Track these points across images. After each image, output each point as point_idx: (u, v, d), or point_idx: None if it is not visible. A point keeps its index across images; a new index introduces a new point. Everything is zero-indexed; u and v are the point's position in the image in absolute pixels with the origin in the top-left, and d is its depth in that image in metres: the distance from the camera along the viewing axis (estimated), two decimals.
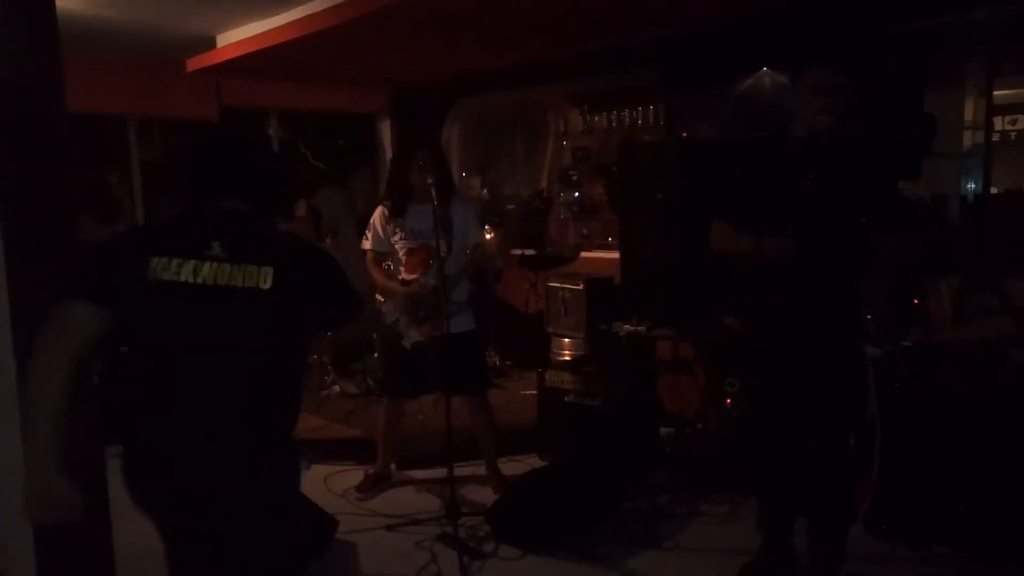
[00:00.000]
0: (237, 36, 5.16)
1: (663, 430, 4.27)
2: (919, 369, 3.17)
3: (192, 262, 1.63)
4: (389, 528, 3.52)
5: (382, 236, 3.73)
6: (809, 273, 2.57)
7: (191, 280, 1.62)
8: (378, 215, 3.76)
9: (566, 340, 5.00)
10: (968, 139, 4.07)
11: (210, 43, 5.37)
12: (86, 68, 4.83)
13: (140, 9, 4.53)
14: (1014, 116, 4.33)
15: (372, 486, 3.94)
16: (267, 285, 1.64)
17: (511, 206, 6.73)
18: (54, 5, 2.23)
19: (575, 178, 6.24)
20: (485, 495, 3.79)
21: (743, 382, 3.05)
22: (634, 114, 5.75)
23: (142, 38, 5.14)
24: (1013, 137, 4.35)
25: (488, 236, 4.96)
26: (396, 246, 3.71)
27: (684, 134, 4.63)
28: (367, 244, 3.76)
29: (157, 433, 1.68)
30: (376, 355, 5.19)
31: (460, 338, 3.57)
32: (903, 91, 3.82)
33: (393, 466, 4.12)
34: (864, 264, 2.64)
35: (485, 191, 6.77)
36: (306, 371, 1.97)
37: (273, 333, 1.70)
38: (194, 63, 5.47)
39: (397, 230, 3.68)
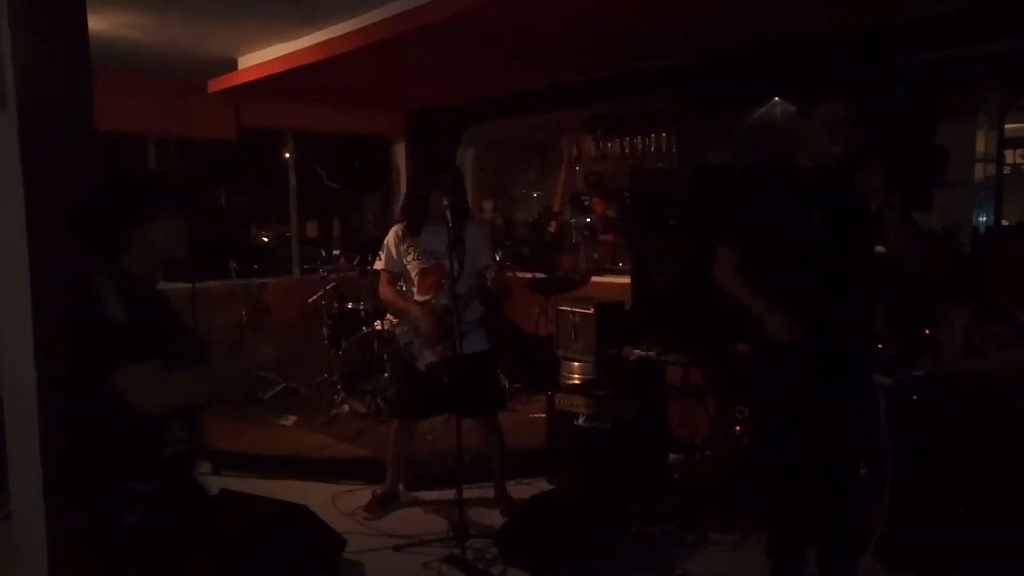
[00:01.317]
0: (258, 59, 5.26)
1: (672, 456, 4.27)
2: (930, 398, 3.17)
3: None
4: (397, 548, 3.52)
5: (395, 256, 3.77)
6: (819, 302, 2.59)
7: None
8: (392, 235, 3.80)
9: (576, 364, 5.01)
10: (980, 171, 4.10)
11: (231, 65, 5.47)
12: (111, 88, 4.91)
13: (164, 31, 4.63)
14: None
15: (380, 506, 3.95)
16: None
17: (522, 231, 6.79)
18: (87, 27, 2.29)
19: (587, 203, 6.29)
20: (493, 517, 3.79)
21: (753, 409, 3.05)
22: (647, 140, 5.81)
23: (165, 59, 5.24)
24: None
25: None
26: (408, 266, 3.75)
27: (699, 161, 4.67)
28: (380, 264, 3.80)
29: None
30: (386, 375, 5.21)
31: (473, 359, 3.59)
32: (915, 123, 3.86)
33: (401, 486, 4.13)
34: (874, 294, 2.65)
35: (498, 216, 6.83)
36: None
37: None
38: (215, 84, 5.57)
39: (411, 250, 3.72)
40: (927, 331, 3.56)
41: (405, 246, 3.74)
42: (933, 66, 3.98)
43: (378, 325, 5.25)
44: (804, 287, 2.62)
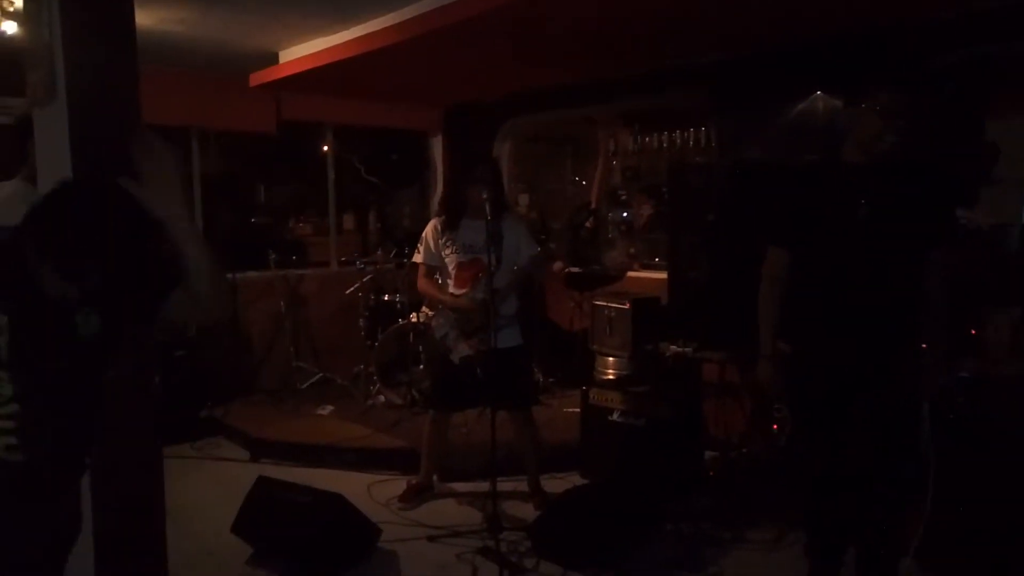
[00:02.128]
0: (299, 52, 5.32)
1: (707, 453, 4.23)
2: (975, 401, 3.09)
3: None
4: (431, 539, 3.55)
5: (433, 250, 3.79)
6: (866, 300, 2.54)
7: None
8: (430, 229, 3.82)
9: (611, 359, 4.98)
10: None
11: (272, 59, 5.54)
12: (155, 81, 5.01)
13: (207, 25, 4.70)
14: None
15: (414, 496, 3.98)
16: None
17: (557, 225, 6.77)
18: (134, 22, 2.34)
19: (624, 197, 6.25)
20: (527, 511, 3.80)
21: (794, 409, 3.00)
22: (685, 135, 5.75)
23: (208, 53, 5.32)
24: None
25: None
26: (447, 260, 3.77)
27: (739, 157, 4.61)
28: (419, 257, 3.83)
29: None
30: (421, 367, 5.25)
31: (507, 353, 3.60)
32: (964, 117, 3.75)
33: (436, 477, 4.15)
34: (921, 292, 2.58)
35: (533, 211, 6.82)
36: None
37: None
38: (256, 78, 5.64)
39: (449, 244, 3.74)
40: (973, 331, 3.47)
41: (443, 240, 3.76)
42: (982, 60, 3.87)
43: (414, 317, 5.28)
44: (852, 285, 2.57)
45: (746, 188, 4.02)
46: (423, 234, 3.86)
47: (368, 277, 5.85)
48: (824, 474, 2.75)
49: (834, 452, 2.70)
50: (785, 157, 4.48)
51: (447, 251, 3.75)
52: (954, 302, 2.65)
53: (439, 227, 3.79)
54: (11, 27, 4.25)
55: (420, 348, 5.26)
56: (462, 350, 3.67)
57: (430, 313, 3.86)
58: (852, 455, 2.66)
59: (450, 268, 3.76)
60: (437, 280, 3.92)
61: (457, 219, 3.73)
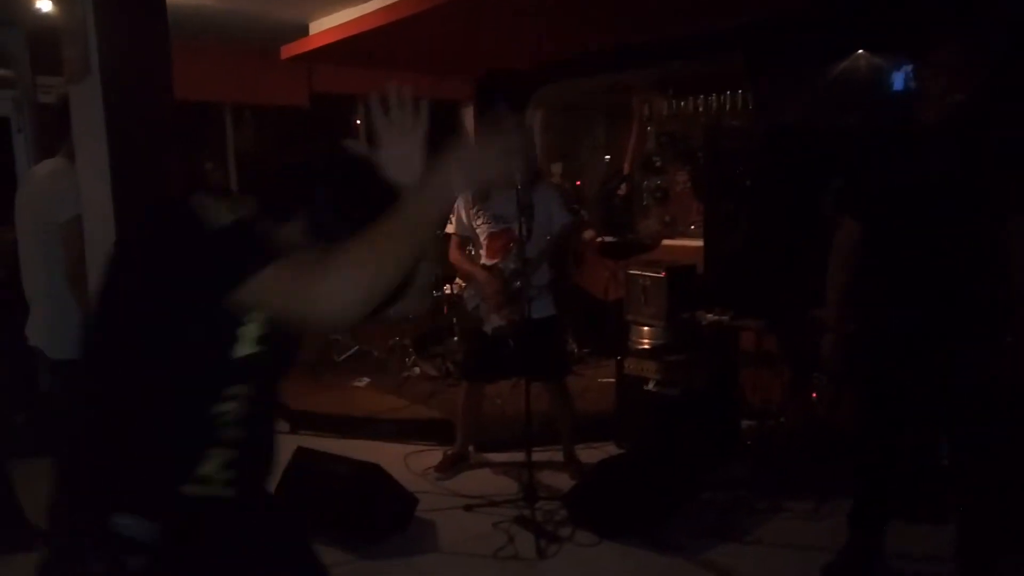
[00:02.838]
0: (329, 23, 5.30)
1: (744, 422, 4.19)
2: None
3: None
4: (467, 508, 3.58)
5: (465, 221, 3.77)
6: (938, 269, 2.45)
7: None
8: (462, 199, 3.80)
9: (646, 328, 4.94)
10: None
11: (303, 31, 5.53)
12: (187, 56, 5.04)
13: None
14: None
15: (451, 466, 4.01)
16: None
17: (590, 193, 6.70)
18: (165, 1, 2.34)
19: (658, 164, 6.15)
20: (562, 480, 3.81)
21: (856, 378, 2.89)
22: (721, 99, 5.62)
23: (239, 27, 5.33)
24: None
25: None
26: (478, 231, 3.75)
27: (783, 121, 4.47)
28: (451, 228, 3.82)
29: None
30: (456, 339, 5.27)
31: (540, 324, 3.58)
32: (1017, 74, 3.60)
33: (472, 448, 4.18)
34: (999, 262, 2.41)
35: (566, 180, 6.75)
36: None
37: None
38: (288, 50, 5.64)
39: (480, 214, 3.72)
40: None
41: (475, 210, 3.74)
42: None
43: (448, 289, 5.29)
44: (924, 254, 2.48)
45: (786, 152, 3.93)
46: (455, 204, 3.84)
47: None
48: (884, 442, 2.70)
49: (898, 423, 2.64)
50: (825, 118, 4.36)
51: (478, 221, 3.73)
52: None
53: (470, 198, 3.76)
54: (47, 5, 4.30)
55: (454, 320, 5.27)
56: (495, 320, 3.67)
57: (463, 284, 3.86)
58: (917, 426, 2.60)
59: (482, 239, 3.75)
60: (470, 252, 3.91)
61: (488, 190, 3.70)
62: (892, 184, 2.55)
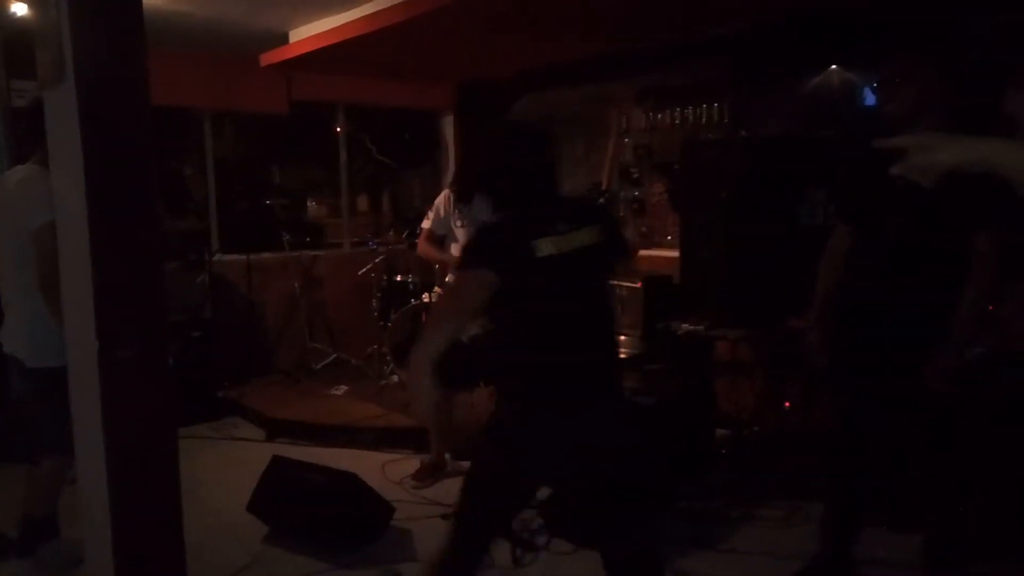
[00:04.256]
0: (309, 32, 5.29)
1: (719, 431, 4.23)
2: (991, 378, 3.06)
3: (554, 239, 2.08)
4: (444, 517, 3.57)
5: (442, 216, 3.92)
6: (906, 280, 2.50)
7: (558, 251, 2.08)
8: (443, 198, 3.96)
9: (622, 337, 4.98)
10: None
11: (283, 39, 5.52)
12: (165, 62, 5.01)
13: (216, 5, 4.69)
14: None
15: (428, 475, 4.01)
16: (599, 239, 2.16)
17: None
18: (141, 3, 2.33)
19: (636, 175, 6.20)
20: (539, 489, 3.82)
21: (832, 386, 2.93)
22: (698, 111, 5.67)
23: (217, 33, 5.31)
24: None
25: None
26: (457, 232, 3.85)
27: (772, 131, 4.52)
28: (427, 223, 3.96)
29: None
30: None
31: None
32: (982, 90, 3.68)
33: (449, 456, 4.18)
34: (962, 267, 2.45)
35: None
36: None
37: (607, 272, 2.31)
38: (267, 58, 5.63)
39: (460, 217, 3.82)
40: (991, 307, 3.43)
41: (455, 212, 3.85)
42: (1003, 28, 3.79)
43: (426, 297, 5.29)
44: (893, 263, 2.53)
45: (762, 165, 3.98)
46: (435, 202, 3.98)
47: (381, 258, 5.87)
48: (853, 449, 2.74)
49: (870, 423, 2.68)
50: (800, 132, 4.43)
51: (458, 223, 3.85)
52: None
53: (451, 197, 3.87)
54: (21, 8, 4.27)
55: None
56: (470, 328, 3.69)
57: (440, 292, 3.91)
58: (888, 428, 2.64)
59: (460, 240, 3.80)
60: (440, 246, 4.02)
61: (470, 194, 3.78)
62: (868, 194, 2.61)
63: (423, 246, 4.01)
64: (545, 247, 2.08)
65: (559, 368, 2.12)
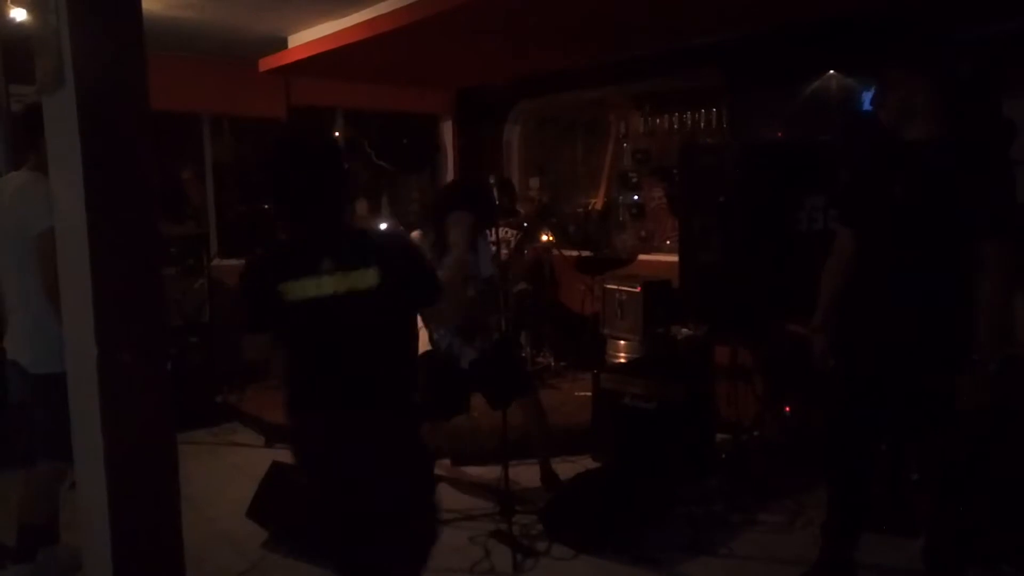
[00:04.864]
0: (308, 37, 5.30)
1: (719, 436, 4.22)
2: (1004, 385, 3.05)
3: (312, 280, 1.92)
4: (444, 522, 3.56)
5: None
6: (906, 284, 2.50)
7: (314, 295, 1.92)
8: (415, 237, 3.87)
9: (622, 342, 4.99)
10: None
11: (281, 44, 5.52)
12: (164, 67, 5.01)
13: (215, 10, 4.70)
14: None
15: None
16: (375, 282, 1.93)
17: (568, 209, 6.74)
18: (140, 7, 2.33)
19: (635, 180, 6.21)
20: (538, 494, 3.81)
21: (838, 382, 2.92)
22: (696, 116, 5.69)
23: (216, 39, 5.32)
24: None
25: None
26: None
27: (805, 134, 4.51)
28: None
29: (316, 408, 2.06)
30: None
31: (497, 348, 3.71)
32: (980, 96, 3.70)
33: (448, 462, 4.17)
34: (967, 271, 2.44)
35: (544, 194, 6.79)
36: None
37: (384, 317, 2.02)
38: (266, 63, 5.63)
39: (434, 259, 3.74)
40: None
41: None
42: (1002, 37, 3.80)
43: None
44: (894, 267, 2.54)
45: (760, 169, 3.98)
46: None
47: None
48: (859, 448, 2.73)
49: (871, 427, 2.68)
50: (801, 137, 4.44)
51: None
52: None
53: (421, 240, 3.78)
54: (20, 14, 4.26)
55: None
56: (469, 354, 3.70)
57: (431, 327, 3.86)
58: (889, 432, 2.64)
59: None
60: None
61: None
62: (871, 199, 2.62)
63: None
64: (294, 291, 1.90)
65: (324, 415, 2.02)
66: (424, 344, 3.91)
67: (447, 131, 7.17)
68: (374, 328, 2.01)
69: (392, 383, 2.09)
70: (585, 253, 5.71)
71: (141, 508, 2.30)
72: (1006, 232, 2.40)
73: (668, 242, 5.79)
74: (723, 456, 4.12)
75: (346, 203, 2.06)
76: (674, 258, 4.57)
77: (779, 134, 4.59)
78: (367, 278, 1.92)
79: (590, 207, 6.38)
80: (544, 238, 5.83)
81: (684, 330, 4.10)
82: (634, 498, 3.40)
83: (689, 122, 5.74)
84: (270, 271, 1.98)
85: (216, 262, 5.92)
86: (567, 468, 4.05)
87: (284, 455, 4.25)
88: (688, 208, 4.42)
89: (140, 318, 2.16)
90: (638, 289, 4.74)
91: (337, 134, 6.78)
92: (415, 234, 3.87)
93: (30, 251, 2.82)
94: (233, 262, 5.98)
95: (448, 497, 3.89)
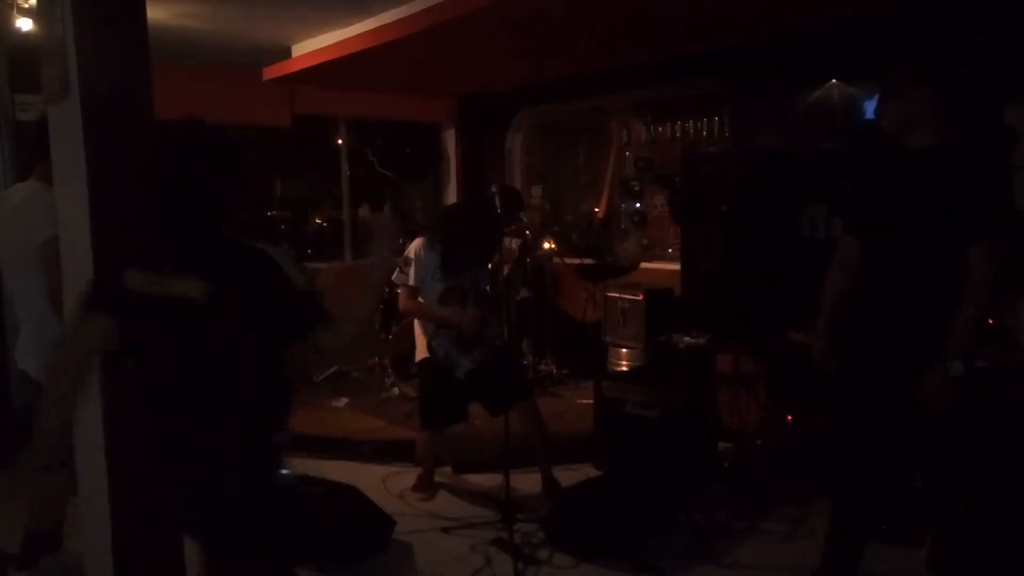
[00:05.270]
0: (312, 46, 5.34)
1: (722, 444, 4.22)
2: (994, 390, 3.05)
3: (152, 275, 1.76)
4: (445, 530, 3.57)
5: (422, 273, 3.75)
6: (906, 290, 2.51)
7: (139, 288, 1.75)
8: (419, 250, 3.77)
9: (624, 350, 4.98)
10: None
11: (285, 53, 5.56)
12: (169, 76, 5.03)
13: (220, 20, 4.73)
14: None
15: (427, 486, 4.00)
16: (199, 296, 1.73)
17: (570, 217, 6.76)
18: (146, 17, 2.35)
19: (637, 188, 6.23)
20: (540, 502, 3.81)
21: (838, 397, 2.92)
22: (698, 124, 5.71)
23: (221, 48, 5.36)
24: None
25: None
26: (432, 287, 3.76)
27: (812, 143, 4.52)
28: (412, 279, 3.77)
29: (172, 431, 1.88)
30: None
31: (496, 355, 3.75)
32: (981, 103, 3.70)
33: (450, 469, 4.17)
34: (962, 277, 2.44)
35: (546, 202, 6.81)
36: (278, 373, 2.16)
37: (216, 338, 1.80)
38: (270, 72, 5.66)
39: (436, 274, 3.74)
40: (991, 320, 3.43)
41: (431, 269, 3.75)
42: (1003, 44, 3.81)
43: None
44: (894, 273, 2.55)
45: (762, 178, 3.99)
46: (410, 255, 3.79)
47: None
48: (862, 455, 2.72)
49: (875, 434, 2.67)
50: (801, 145, 4.45)
51: (435, 277, 3.74)
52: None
53: (423, 255, 3.75)
54: (27, 24, 4.30)
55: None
56: (466, 364, 3.71)
57: (427, 337, 3.87)
58: (893, 439, 2.63)
59: (436, 292, 3.75)
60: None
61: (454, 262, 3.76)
62: (875, 207, 2.62)
63: (411, 304, 3.79)
64: (134, 280, 1.74)
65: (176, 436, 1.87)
66: (422, 351, 3.93)
67: (450, 139, 7.20)
68: (206, 347, 1.82)
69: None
70: (587, 261, 5.71)
71: (142, 515, 2.31)
72: (993, 236, 2.40)
73: (670, 250, 5.79)
74: (726, 464, 4.11)
75: (220, 206, 1.85)
76: (676, 266, 4.58)
77: (780, 142, 4.60)
78: (190, 288, 1.74)
79: (592, 215, 6.40)
80: (546, 246, 5.85)
81: (686, 338, 4.10)
82: (636, 506, 3.40)
83: (691, 130, 5.76)
84: (136, 256, 1.83)
85: None
86: (569, 476, 4.05)
87: (284, 462, 4.26)
88: (690, 216, 4.43)
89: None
90: (640, 297, 4.74)
91: (340, 142, 6.80)
92: (417, 241, 3.85)
93: (34, 259, 2.84)
94: None
95: (449, 505, 3.90)
